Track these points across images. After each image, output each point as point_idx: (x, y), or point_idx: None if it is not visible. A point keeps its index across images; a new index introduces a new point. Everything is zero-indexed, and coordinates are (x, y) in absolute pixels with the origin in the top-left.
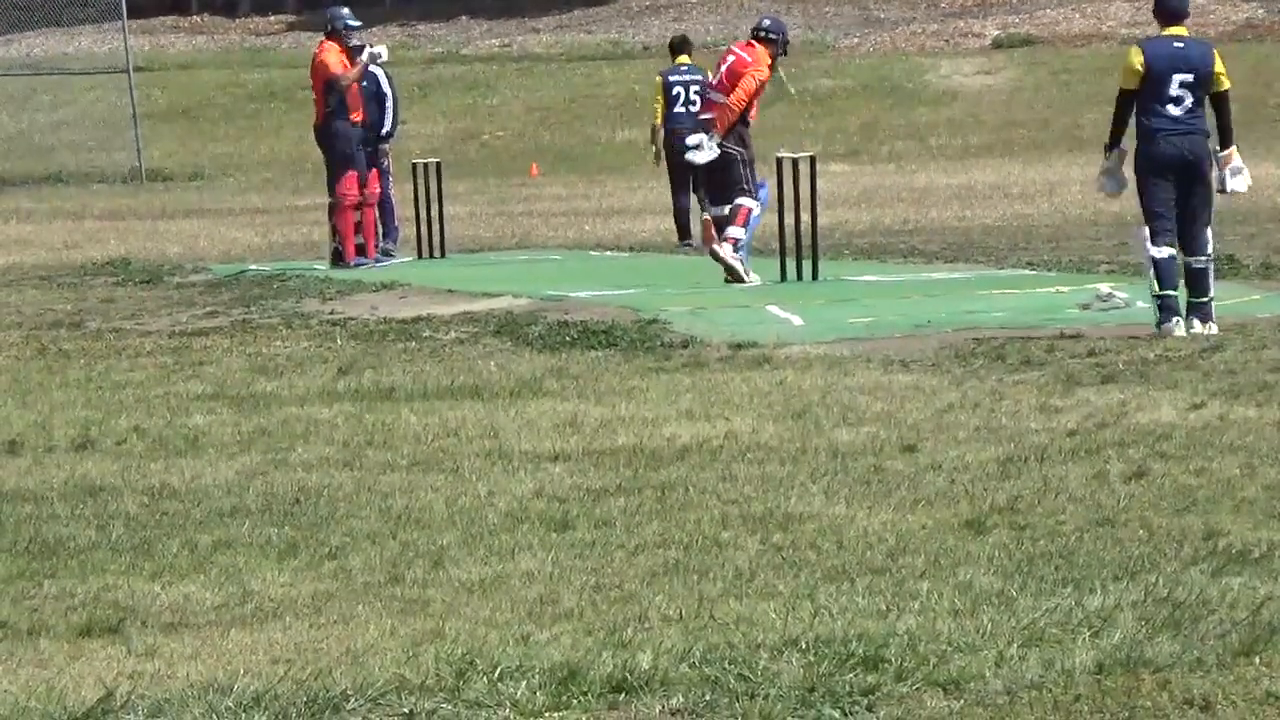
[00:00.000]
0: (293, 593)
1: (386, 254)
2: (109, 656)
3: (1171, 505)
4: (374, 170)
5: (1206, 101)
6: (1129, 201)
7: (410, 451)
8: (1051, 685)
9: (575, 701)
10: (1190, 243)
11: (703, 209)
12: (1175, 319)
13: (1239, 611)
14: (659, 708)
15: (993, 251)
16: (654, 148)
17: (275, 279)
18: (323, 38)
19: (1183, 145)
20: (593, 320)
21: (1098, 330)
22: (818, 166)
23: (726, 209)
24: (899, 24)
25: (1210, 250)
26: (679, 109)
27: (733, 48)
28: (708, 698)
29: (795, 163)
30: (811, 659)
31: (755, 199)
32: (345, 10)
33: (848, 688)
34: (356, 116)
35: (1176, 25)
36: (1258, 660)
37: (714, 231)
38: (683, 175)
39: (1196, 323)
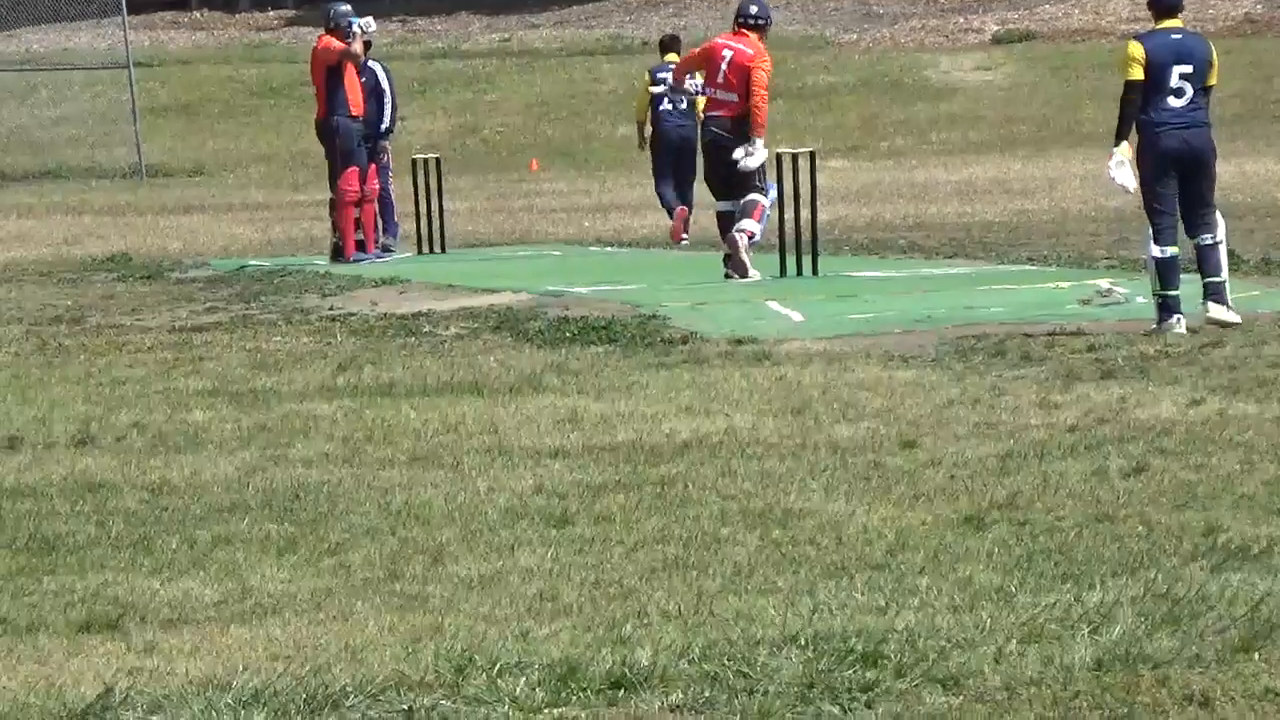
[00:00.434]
0: (292, 589)
1: (386, 249)
2: (108, 652)
3: (1171, 501)
4: (373, 166)
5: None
6: (1129, 198)
7: (410, 447)
8: (1051, 681)
9: (574, 698)
10: (1198, 224)
11: (682, 202)
12: (1175, 318)
13: (1238, 607)
14: (658, 704)
15: (993, 247)
16: (640, 139)
17: (275, 274)
18: (322, 33)
19: (1185, 137)
20: (592, 316)
21: (1098, 326)
22: (818, 162)
23: (734, 204)
24: (899, 19)
25: (1220, 232)
26: (665, 106)
27: (726, 41)
28: (707, 694)
29: (795, 158)
30: (811, 655)
31: (765, 196)
32: (345, 6)
33: (847, 684)
34: (357, 111)
35: (1172, 18)
36: (1257, 656)
37: (719, 226)
38: (665, 166)
39: (1214, 307)
